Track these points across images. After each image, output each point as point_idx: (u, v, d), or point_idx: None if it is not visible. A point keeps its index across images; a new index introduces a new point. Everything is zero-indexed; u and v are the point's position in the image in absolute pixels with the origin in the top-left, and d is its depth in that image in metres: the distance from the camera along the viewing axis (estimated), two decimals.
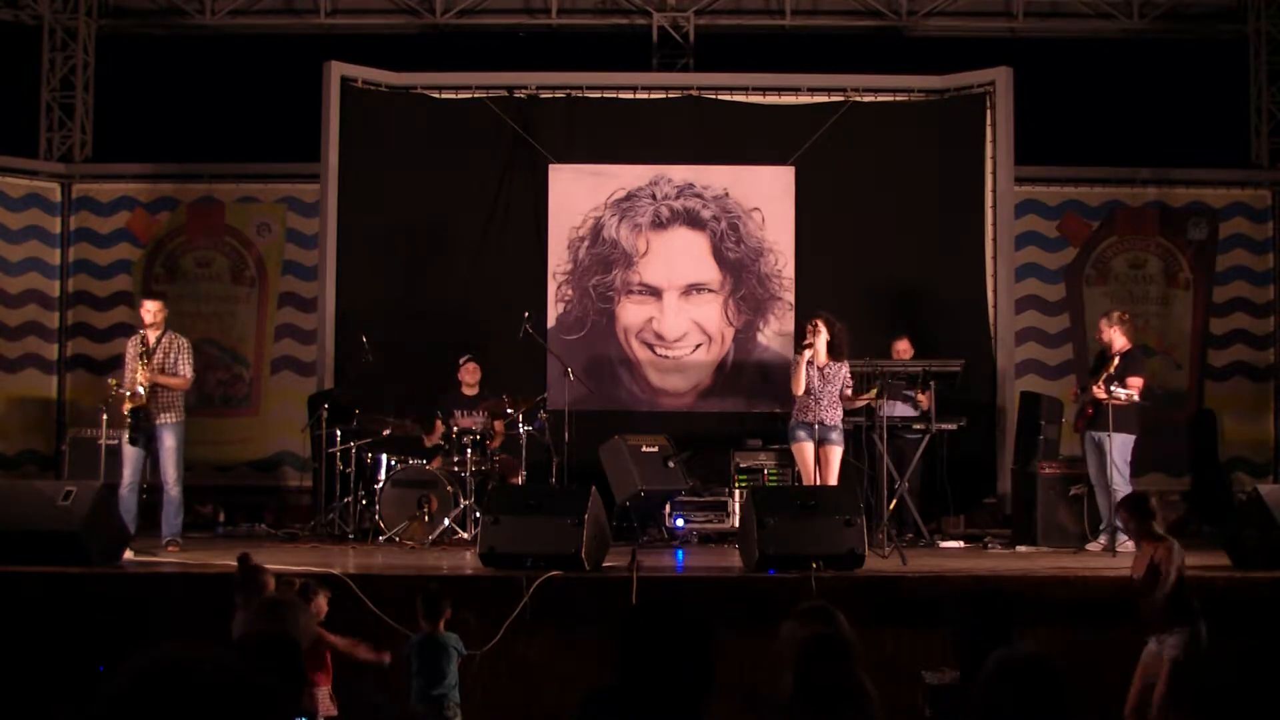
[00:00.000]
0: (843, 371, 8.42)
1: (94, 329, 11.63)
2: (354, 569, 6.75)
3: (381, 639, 6.11)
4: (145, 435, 8.33)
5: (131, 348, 8.50)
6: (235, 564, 5.57)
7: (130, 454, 8.33)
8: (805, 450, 8.31)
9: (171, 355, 8.47)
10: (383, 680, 5.73)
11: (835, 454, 8.33)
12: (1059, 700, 2.82)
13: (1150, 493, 5.84)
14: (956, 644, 4.15)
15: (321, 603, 5.53)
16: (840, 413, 8.39)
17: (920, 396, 9.35)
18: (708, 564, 8.07)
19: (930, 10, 11.90)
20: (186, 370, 8.52)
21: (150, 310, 8.55)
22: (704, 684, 2.73)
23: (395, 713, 5.07)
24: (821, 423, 8.22)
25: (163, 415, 8.38)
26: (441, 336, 10.49)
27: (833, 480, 8.25)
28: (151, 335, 8.49)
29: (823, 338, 8.33)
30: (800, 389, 8.29)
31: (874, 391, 8.88)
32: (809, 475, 8.30)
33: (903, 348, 9.82)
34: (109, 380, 8.78)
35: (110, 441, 8.53)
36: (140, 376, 8.27)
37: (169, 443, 8.39)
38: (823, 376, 8.31)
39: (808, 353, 8.30)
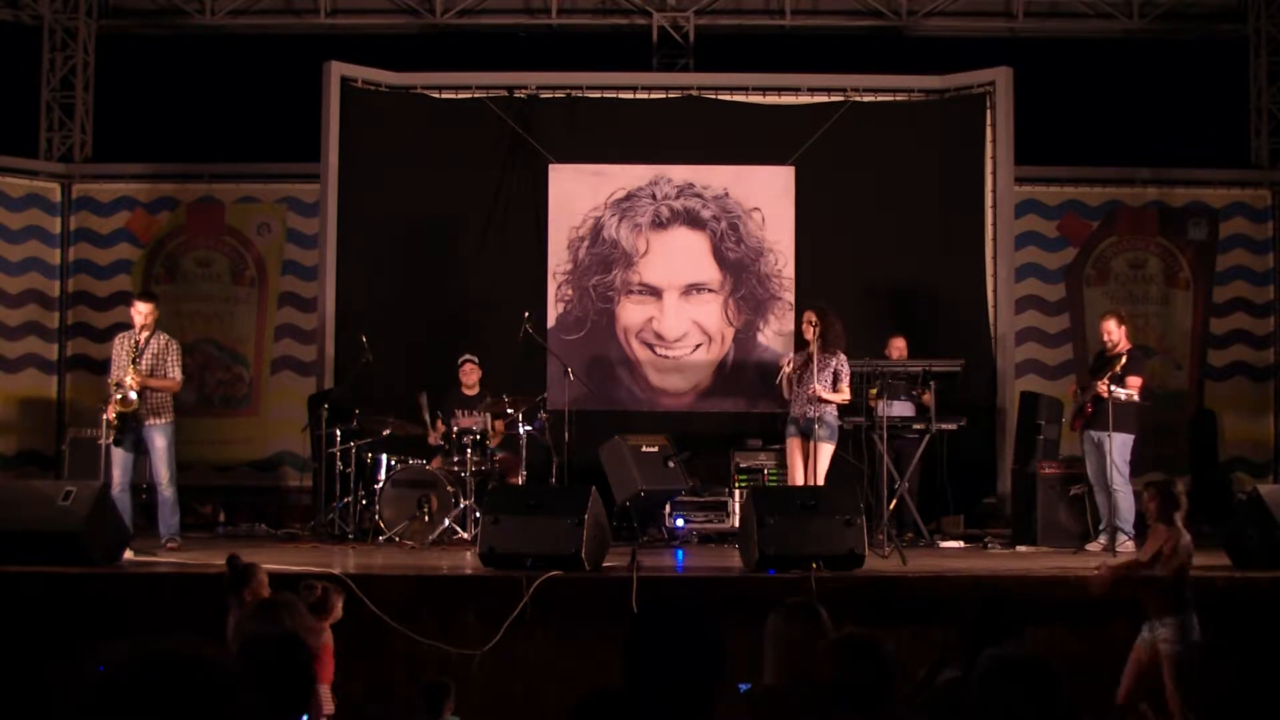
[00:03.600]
0: (832, 364, 8.36)
1: (94, 329, 11.61)
2: (354, 569, 6.75)
3: (382, 639, 6.14)
4: (132, 437, 8.31)
5: (119, 345, 8.46)
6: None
7: (118, 456, 8.29)
8: (792, 446, 8.41)
9: (161, 358, 8.42)
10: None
11: (823, 450, 8.24)
12: (1053, 699, 2.82)
13: (1178, 483, 5.85)
14: (964, 643, 4.15)
15: (337, 606, 5.48)
16: (825, 405, 8.32)
17: (924, 397, 9.34)
18: (708, 564, 8.07)
19: (930, 10, 11.89)
20: (176, 373, 8.47)
21: (143, 312, 8.45)
22: (713, 682, 2.72)
23: None
24: (806, 416, 8.25)
25: (152, 418, 8.35)
26: (441, 336, 10.49)
27: (818, 477, 8.17)
28: (142, 337, 8.42)
29: (815, 330, 8.35)
30: (787, 394, 8.50)
31: (874, 391, 8.90)
32: (793, 472, 8.37)
33: (899, 344, 9.81)
34: (109, 380, 8.78)
35: (110, 441, 8.52)
36: (131, 381, 8.25)
37: (160, 444, 8.37)
38: (805, 369, 8.32)
39: (787, 368, 8.44)
